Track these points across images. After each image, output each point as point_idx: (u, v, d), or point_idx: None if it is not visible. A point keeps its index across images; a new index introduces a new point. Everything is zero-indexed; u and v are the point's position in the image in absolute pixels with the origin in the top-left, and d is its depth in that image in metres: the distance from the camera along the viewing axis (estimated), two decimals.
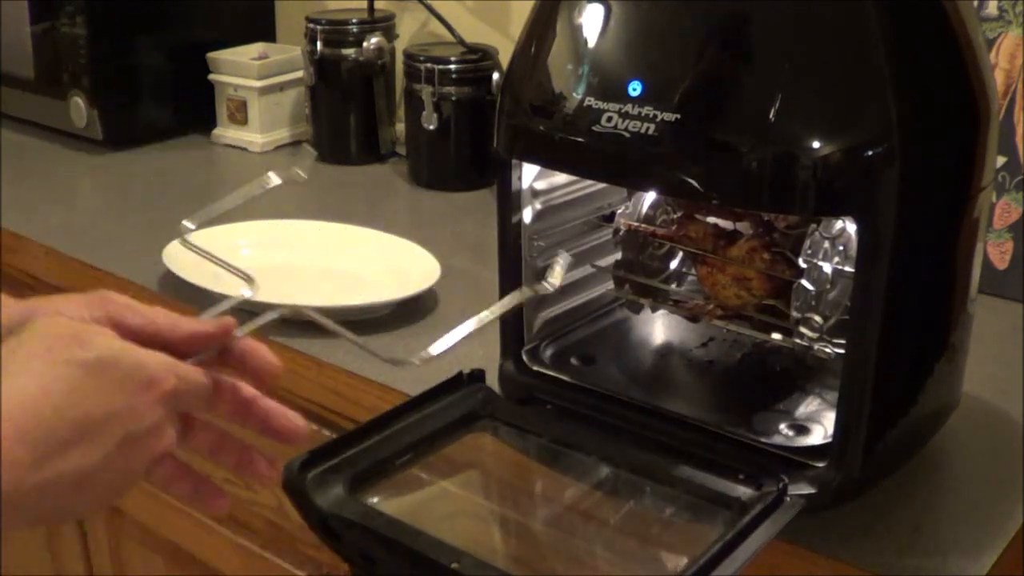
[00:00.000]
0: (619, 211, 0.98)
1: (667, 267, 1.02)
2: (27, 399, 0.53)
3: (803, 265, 0.87)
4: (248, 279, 0.77)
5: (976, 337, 0.91)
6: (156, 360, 0.59)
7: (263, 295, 1.15)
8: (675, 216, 0.96)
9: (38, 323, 0.57)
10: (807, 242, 0.86)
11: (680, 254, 1.01)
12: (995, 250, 1.19)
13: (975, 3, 1.17)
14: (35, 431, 0.52)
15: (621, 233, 0.97)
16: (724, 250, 0.91)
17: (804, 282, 0.86)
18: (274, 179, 0.79)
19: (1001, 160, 1.17)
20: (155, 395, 0.58)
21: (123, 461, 0.57)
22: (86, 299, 0.62)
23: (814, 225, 0.87)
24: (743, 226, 0.93)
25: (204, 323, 0.66)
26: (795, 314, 0.88)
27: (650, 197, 0.97)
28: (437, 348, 0.68)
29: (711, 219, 0.94)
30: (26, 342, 0.56)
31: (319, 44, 1.60)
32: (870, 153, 0.73)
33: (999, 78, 1.16)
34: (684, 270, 1.02)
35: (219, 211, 0.81)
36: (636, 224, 0.96)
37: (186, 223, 0.78)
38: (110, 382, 0.56)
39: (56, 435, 0.53)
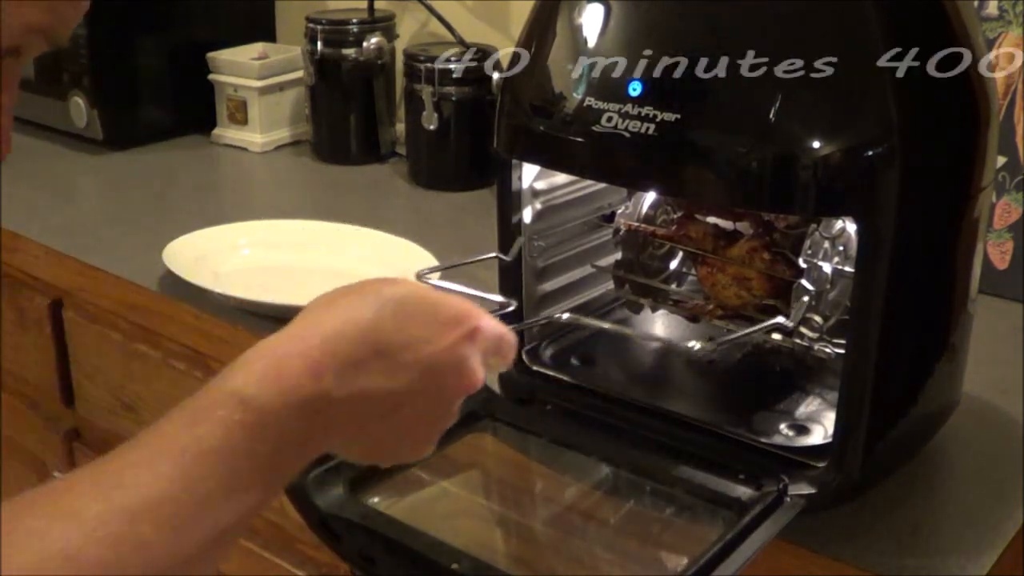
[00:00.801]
0: (619, 211, 0.98)
1: (667, 267, 1.02)
2: (336, 323, 0.57)
3: (803, 265, 0.87)
4: (506, 303, 0.85)
5: (976, 337, 0.91)
6: (462, 302, 0.63)
7: (264, 295, 1.15)
8: (675, 216, 0.96)
9: None
10: (807, 242, 0.86)
11: (680, 254, 1.01)
12: (995, 250, 1.19)
13: (975, 3, 1.17)
14: (339, 347, 0.56)
15: (621, 233, 0.97)
16: (724, 250, 0.91)
17: (804, 282, 0.86)
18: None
19: (1001, 160, 1.17)
20: (462, 333, 0.61)
21: (430, 390, 0.60)
22: None
23: (814, 225, 0.87)
24: (743, 226, 0.93)
25: None
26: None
27: (650, 197, 0.97)
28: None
29: (711, 219, 0.94)
30: (344, 290, 0.61)
31: (319, 44, 1.60)
32: (870, 153, 0.73)
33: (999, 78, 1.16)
34: (684, 270, 1.02)
35: (451, 265, 0.92)
36: (636, 224, 0.96)
37: (423, 271, 0.87)
38: (416, 314, 0.60)
39: (359, 354, 0.57)
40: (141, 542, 0.47)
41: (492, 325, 0.63)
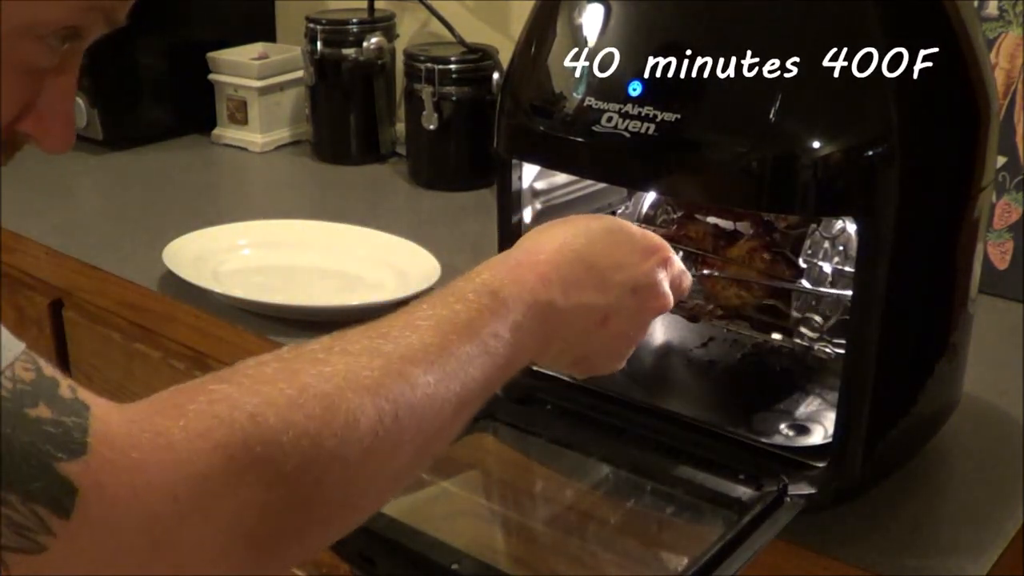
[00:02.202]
0: (619, 211, 0.98)
1: None
2: (555, 246, 0.67)
3: (803, 265, 0.87)
4: None
5: (976, 337, 0.91)
6: (655, 236, 0.72)
7: (264, 295, 1.15)
8: (675, 216, 0.96)
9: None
10: (807, 242, 0.86)
11: (680, 254, 1.01)
12: (995, 250, 1.19)
13: (975, 3, 1.17)
14: (561, 266, 0.65)
15: None
16: (724, 250, 0.91)
17: (804, 282, 0.86)
18: None
19: (1001, 160, 1.17)
20: (657, 259, 0.71)
21: (634, 308, 0.69)
22: None
23: (814, 225, 0.87)
24: (743, 226, 0.93)
25: None
26: (795, 314, 0.87)
27: (650, 197, 0.97)
28: None
29: (711, 219, 0.94)
30: (555, 222, 0.71)
31: (319, 44, 1.60)
32: (870, 153, 0.73)
33: (999, 78, 1.16)
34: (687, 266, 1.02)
35: None
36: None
37: None
38: (620, 242, 0.69)
39: (576, 272, 0.66)
40: (409, 378, 0.55)
41: (678, 259, 0.73)
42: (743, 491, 0.78)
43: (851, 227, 0.85)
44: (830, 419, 0.84)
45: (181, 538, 0.47)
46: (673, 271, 0.72)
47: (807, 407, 0.90)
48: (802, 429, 0.86)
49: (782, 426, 0.87)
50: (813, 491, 0.78)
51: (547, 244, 0.66)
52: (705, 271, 0.93)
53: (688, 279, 0.75)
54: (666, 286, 0.71)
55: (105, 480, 0.45)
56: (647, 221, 0.97)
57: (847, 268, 0.86)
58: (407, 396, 0.54)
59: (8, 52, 0.51)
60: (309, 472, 0.50)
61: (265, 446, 0.48)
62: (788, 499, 0.77)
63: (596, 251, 0.67)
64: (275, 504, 0.49)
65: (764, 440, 0.83)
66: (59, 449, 0.44)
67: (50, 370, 0.47)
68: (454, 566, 0.71)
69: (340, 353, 0.54)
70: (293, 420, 0.50)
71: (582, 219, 0.70)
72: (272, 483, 0.48)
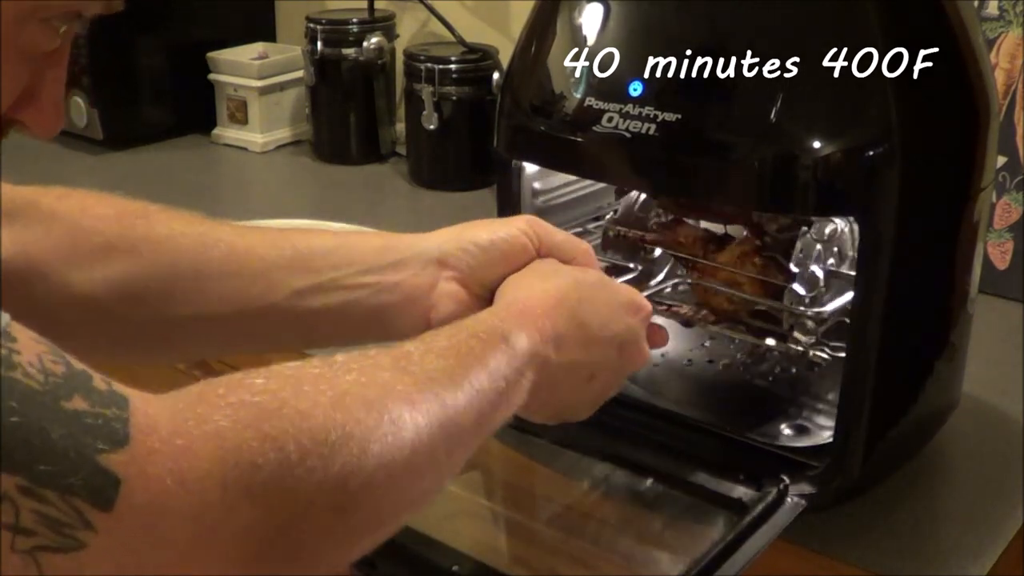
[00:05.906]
0: (607, 216, 0.97)
1: (660, 271, 1.01)
2: (551, 300, 0.67)
3: (795, 269, 0.86)
4: None
5: (976, 337, 0.91)
6: (633, 290, 0.74)
7: None
8: (665, 220, 0.96)
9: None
10: (798, 245, 0.86)
11: (671, 259, 1.00)
12: (995, 250, 1.19)
13: (975, 3, 1.17)
14: (557, 323, 0.65)
15: (610, 236, 0.96)
16: (714, 255, 0.91)
17: (796, 286, 0.86)
18: None
19: (1001, 160, 1.17)
20: (641, 316, 0.71)
21: (618, 364, 0.70)
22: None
23: (805, 228, 0.86)
24: (733, 230, 0.93)
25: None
26: (787, 319, 0.87)
27: (642, 197, 0.97)
28: None
29: (702, 224, 0.93)
30: (546, 269, 0.71)
31: (319, 44, 1.60)
32: (870, 153, 0.73)
33: (999, 78, 1.16)
34: (679, 273, 1.02)
35: None
36: (624, 230, 0.95)
37: None
38: (608, 300, 0.70)
39: (569, 330, 0.66)
40: (438, 398, 0.55)
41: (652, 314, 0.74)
42: (743, 491, 0.78)
43: (844, 226, 0.85)
44: (830, 419, 0.84)
45: (228, 528, 0.45)
46: (648, 325, 0.73)
47: (807, 407, 0.90)
48: (802, 429, 0.86)
49: (782, 426, 0.87)
50: (813, 491, 0.78)
51: (544, 296, 0.67)
52: (696, 275, 0.93)
53: (665, 330, 0.77)
54: (644, 341, 0.72)
55: (150, 469, 0.43)
56: (638, 222, 0.96)
57: (843, 269, 0.86)
58: (437, 414, 0.55)
59: (15, 36, 0.51)
60: (356, 475, 0.49)
61: (315, 443, 0.48)
62: (789, 500, 0.77)
63: (588, 309, 0.67)
64: (320, 504, 0.48)
65: (764, 440, 0.83)
66: (100, 440, 0.43)
67: (79, 363, 0.45)
68: (454, 568, 0.71)
69: (371, 367, 0.54)
70: (339, 421, 0.49)
71: (572, 271, 0.71)
72: (321, 482, 0.48)
